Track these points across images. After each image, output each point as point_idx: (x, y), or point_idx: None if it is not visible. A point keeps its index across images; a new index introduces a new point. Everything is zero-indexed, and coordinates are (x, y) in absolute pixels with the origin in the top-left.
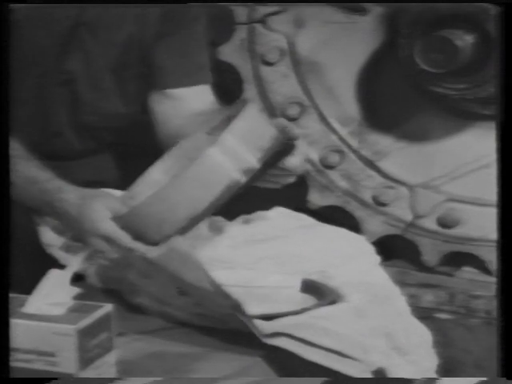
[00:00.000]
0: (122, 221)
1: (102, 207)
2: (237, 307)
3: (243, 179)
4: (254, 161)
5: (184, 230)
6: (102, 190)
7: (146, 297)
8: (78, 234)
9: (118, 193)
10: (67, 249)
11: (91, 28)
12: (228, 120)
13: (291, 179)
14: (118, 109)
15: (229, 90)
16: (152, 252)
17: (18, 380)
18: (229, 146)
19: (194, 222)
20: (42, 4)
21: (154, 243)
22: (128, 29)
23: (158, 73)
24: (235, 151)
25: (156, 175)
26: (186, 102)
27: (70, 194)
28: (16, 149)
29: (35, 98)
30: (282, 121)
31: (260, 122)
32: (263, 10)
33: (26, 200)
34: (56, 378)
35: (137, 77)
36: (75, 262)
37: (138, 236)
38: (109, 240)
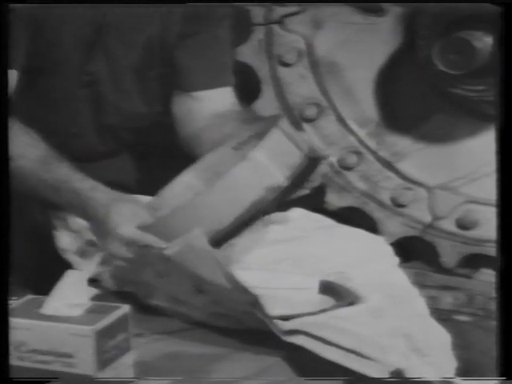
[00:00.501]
0: (148, 231)
1: (128, 212)
2: (255, 303)
3: (270, 196)
4: (282, 178)
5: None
6: (133, 195)
7: (162, 298)
8: (100, 234)
9: (145, 199)
10: (82, 254)
11: (114, 29)
12: (256, 136)
13: (316, 182)
14: (140, 109)
15: (246, 90)
16: (169, 249)
17: (17, 380)
18: (258, 163)
19: (218, 236)
20: (42, 4)
21: None
22: (150, 30)
23: (180, 74)
24: (264, 168)
25: (180, 188)
26: (208, 104)
27: (102, 194)
28: (45, 149)
29: (58, 100)
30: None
31: (290, 140)
32: (281, 10)
33: (54, 199)
34: (55, 378)
35: (159, 77)
36: (91, 265)
37: None
38: (128, 244)
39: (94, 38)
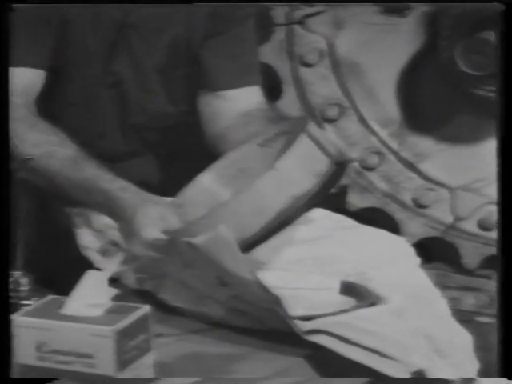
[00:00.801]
0: (174, 235)
1: (155, 215)
2: (276, 302)
3: (296, 205)
4: (309, 187)
5: None
6: (162, 198)
7: (183, 295)
8: (126, 234)
9: (168, 200)
10: (104, 252)
11: (138, 30)
12: (282, 135)
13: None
14: (165, 109)
15: (268, 91)
16: (198, 238)
17: (18, 380)
18: (284, 173)
19: (243, 245)
20: (42, 4)
21: None
22: (175, 30)
23: (206, 73)
24: (290, 178)
25: (205, 183)
26: (235, 103)
27: (131, 195)
28: (74, 149)
29: (81, 100)
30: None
31: (318, 146)
32: (302, 11)
33: (83, 198)
34: (55, 379)
35: (184, 77)
36: (112, 265)
37: None
38: (152, 246)
39: (117, 38)
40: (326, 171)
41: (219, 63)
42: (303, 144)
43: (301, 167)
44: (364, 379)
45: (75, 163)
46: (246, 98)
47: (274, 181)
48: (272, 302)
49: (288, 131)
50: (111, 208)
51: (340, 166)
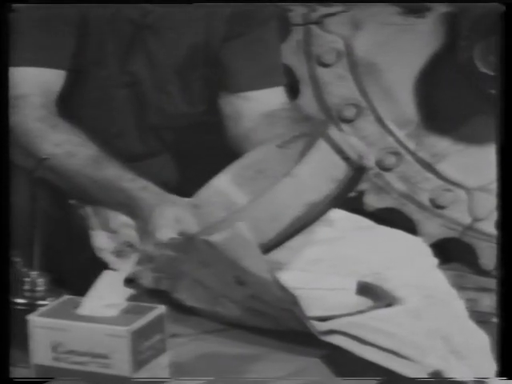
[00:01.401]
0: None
1: (171, 216)
2: (294, 302)
3: (312, 211)
4: (326, 193)
5: None
6: (182, 198)
7: (199, 295)
8: (142, 234)
9: (185, 200)
10: (118, 254)
11: (156, 30)
12: (301, 137)
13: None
14: (183, 109)
15: (286, 90)
16: (216, 236)
17: (17, 380)
18: (301, 180)
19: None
20: (42, 4)
21: None
22: (194, 30)
23: (228, 75)
24: (307, 185)
25: (222, 184)
26: (259, 104)
27: (151, 195)
28: (96, 149)
29: (99, 101)
30: (358, 145)
31: (337, 152)
32: (319, 11)
33: (103, 198)
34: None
35: (202, 78)
36: (127, 265)
37: None
38: (169, 245)
39: (134, 38)
40: (344, 177)
41: (242, 64)
42: (321, 149)
43: (318, 173)
44: (376, 379)
45: (97, 162)
46: (270, 99)
47: (291, 187)
48: (289, 302)
49: (308, 133)
50: (130, 207)
51: (359, 170)
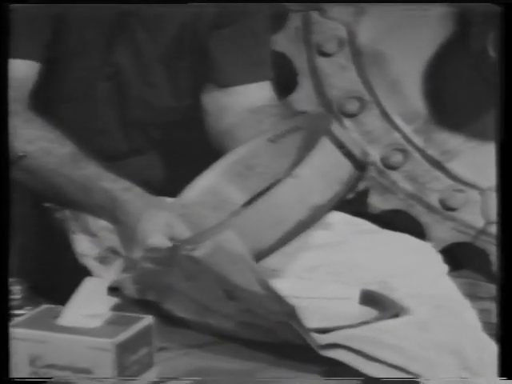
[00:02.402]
0: (182, 244)
1: (161, 221)
2: (292, 314)
3: (316, 214)
4: (331, 195)
5: None
6: (168, 200)
7: (189, 308)
8: (127, 240)
9: (170, 201)
10: (102, 260)
11: (141, 18)
12: (295, 130)
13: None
14: (169, 103)
15: (281, 83)
16: (198, 250)
17: (17, 380)
18: (303, 181)
19: (259, 256)
20: (42, 4)
21: None
22: (181, 19)
23: (213, 67)
24: (310, 186)
25: (209, 181)
26: (243, 99)
27: (135, 197)
28: (73, 146)
29: (79, 94)
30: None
31: (341, 150)
32: None
33: (82, 199)
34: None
35: (189, 69)
36: (111, 273)
37: None
38: (149, 258)
39: (117, 25)
40: (349, 177)
41: (227, 56)
42: (325, 149)
43: (322, 174)
44: (358, 379)
45: (74, 161)
46: (255, 94)
47: (294, 189)
48: (286, 314)
49: (302, 127)
50: (112, 211)
51: (362, 168)
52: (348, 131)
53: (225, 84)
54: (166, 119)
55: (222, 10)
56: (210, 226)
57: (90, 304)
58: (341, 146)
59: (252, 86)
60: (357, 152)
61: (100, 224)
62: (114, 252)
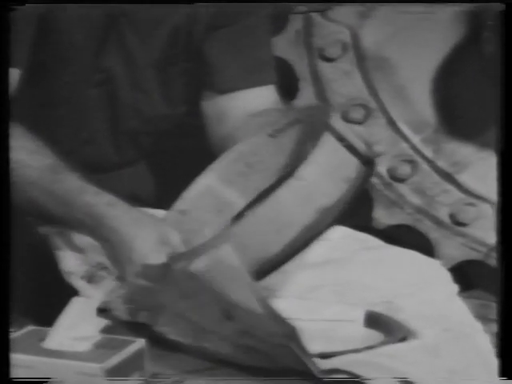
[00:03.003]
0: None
1: (155, 238)
2: (292, 336)
3: (324, 217)
4: (339, 195)
5: (256, 274)
6: (157, 214)
7: (183, 328)
8: (117, 259)
9: (163, 213)
10: (90, 278)
11: (132, 19)
12: (295, 123)
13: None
14: (162, 111)
15: (281, 89)
16: (195, 265)
17: (17, 380)
18: (308, 182)
19: (266, 266)
20: (42, 4)
21: None
22: (174, 20)
23: (210, 71)
24: (316, 187)
25: (208, 182)
26: (245, 104)
27: (121, 213)
28: (52, 157)
29: (65, 101)
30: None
31: (345, 145)
32: None
33: (62, 215)
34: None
35: (183, 74)
36: (101, 292)
37: None
38: (142, 274)
39: (107, 28)
40: (356, 174)
41: (225, 60)
42: (328, 145)
43: (328, 173)
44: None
45: (54, 173)
46: (258, 99)
47: (298, 191)
48: (287, 337)
49: (302, 119)
50: (95, 227)
51: (369, 164)
52: (349, 125)
53: (224, 90)
54: (158, 128)
55: (218, 11)
56: (209, 235)
57: (77, 326)
58: (343, 140)
59: (253, 91)
60: (361, 146)
61: (87, 239)
62: (103, 269)
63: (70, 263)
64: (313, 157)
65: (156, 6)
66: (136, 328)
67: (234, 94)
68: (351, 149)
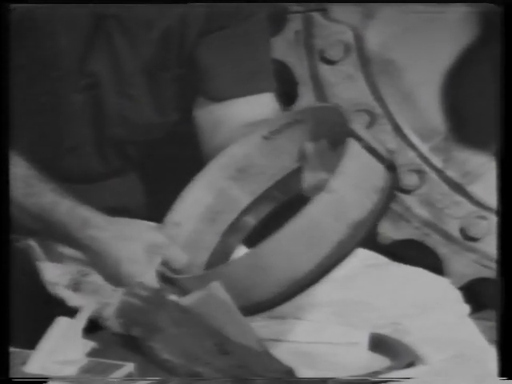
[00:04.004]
0: (197, 280)
1: (144, 257)
2: (289, 373)
3: (357, 232)
4: (371, 206)
5: (284, 296)
6: (143, 224)
7: (176, 350)
8: (104, 273)
9: (154, 225)
10: (76, 287)
11: (121, 21)
12: (292, 124)
13: None
14: (151, 119)
15: (280, 93)
16: (187, 299)
17: (17, 380)
18: (339, 195)
19: (296, 287)
20: (42, 4)
21: (241, 309)
22: (166, 23)
23: (205, 77)
24: (347, 200)
25: (199, 191)
26: (241, 112)
27: (101, 231)
28: (26, 167)
29: (48, 107)
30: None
31: (371, 153)
32: None
33: (38, 229)
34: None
35: (175, 80)
36: (88, 306)
37: None
38: (140, 287)
39: (94, 30)
40: (384, 183)
41: (221, 65)
42: (355, 153)
43: (358, 183)
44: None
45: (28, 186)
46: (256, 108)
47: (329, 205)
48: (284, 374)
49: (303, 120)
50: (77, 246)
51: (392, 168)
52: (367, 130)
53: (218, 97)
54: (147, 137)
55: (213, 13)
56: (205, 245)
57: (62, 348)
58: (367, 146)
59: (250, 99)
60: (383, 152)
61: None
62: (86, 275)
63: (52, 273)
64: (341, 167)
65: (147, 7)
66: (128, 341)
67: (229, 102)
68: (376, 154)
